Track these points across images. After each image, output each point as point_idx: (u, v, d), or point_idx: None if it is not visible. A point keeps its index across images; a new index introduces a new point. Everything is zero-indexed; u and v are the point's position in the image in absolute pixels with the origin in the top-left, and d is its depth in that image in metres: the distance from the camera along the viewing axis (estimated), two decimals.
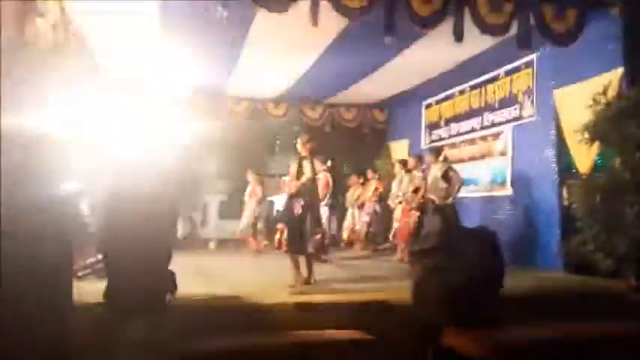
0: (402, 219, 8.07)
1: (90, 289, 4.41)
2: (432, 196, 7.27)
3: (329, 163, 9.20)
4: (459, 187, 7.28)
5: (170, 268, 4.34)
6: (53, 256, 3.23)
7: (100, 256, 5.58)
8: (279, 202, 10.22)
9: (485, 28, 5.70)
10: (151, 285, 3.59)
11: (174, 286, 4.56)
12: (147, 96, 9.85)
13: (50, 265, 3.20)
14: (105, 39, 7.23)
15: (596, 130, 5.59)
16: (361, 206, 10.43)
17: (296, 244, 5.89)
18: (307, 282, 5.88)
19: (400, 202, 8.32)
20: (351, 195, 10.80)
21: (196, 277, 6.42)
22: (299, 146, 6.28)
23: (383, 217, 9.88)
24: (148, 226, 3.52)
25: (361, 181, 10.80)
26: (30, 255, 3.09)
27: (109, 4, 5.84)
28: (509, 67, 8.04)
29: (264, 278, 6.69)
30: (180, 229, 11.30)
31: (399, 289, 5.13)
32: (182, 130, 11.78)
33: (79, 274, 5.88)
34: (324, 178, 8.75)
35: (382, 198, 9.94)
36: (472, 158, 8.99)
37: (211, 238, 12.50)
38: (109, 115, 8.69)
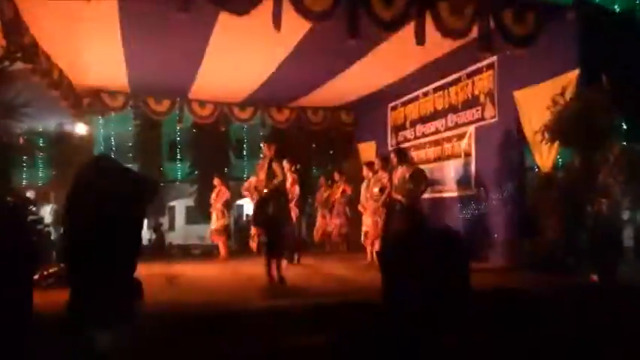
0: (371, 219, 8.12)
1: (54, 299, 4.30)
2: (399, 197, 7.34)
3: (299, 166, 9.22)
4: (425, 188, 7.38)
5: (136, 275, 4.27)
6: (12, 266, 3.15)
7: (62, 265, 5.46)
8: (249, 206, 10.21)
9: (446, 32, 5.80)
10: (116, 294, 3.52)
11: (140, 295, 4.47)
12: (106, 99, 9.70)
13: (8, 275, 3.11)
14: (62, 43, 7.07)
15: (556, 130, 5.75)
16: (330, 208, 10.50)
17: (271, 247, 5.92)
18: (278, 283, 5.87)
19: (368, 202, 8.37)
20: (320, 197, 10.85)
21: (164, 284, 6.33)
22: (264, 148, 6.33)
23: (352, 218, 9.95)
24: (111, 233, 3.45)
25: (329, 183, 10.86)
26: None
27: (66, 7, 5.73)
28: (470, 69, 8.19)
29: (234, 283, 6.65)
30: (147, 235, 11.14)
31: (370, 291, 5.18)
32: (146, 135, 11.63)
33: (43, 283, 5.74)
34: (291, 179, 8.79)
35: (350, 199, 10.01)
36: (437, 159, 9.12)
37: (178, 243, 12.36)
38: (70, 121, 8.51)
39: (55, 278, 5.85)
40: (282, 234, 6.06)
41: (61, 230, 5.31)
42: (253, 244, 6.13)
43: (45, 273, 5.90)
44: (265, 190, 6.09)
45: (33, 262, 4.36)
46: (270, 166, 6.17)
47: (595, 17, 6.13)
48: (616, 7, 7.26)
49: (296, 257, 8.50)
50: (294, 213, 8.76)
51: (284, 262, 6.14)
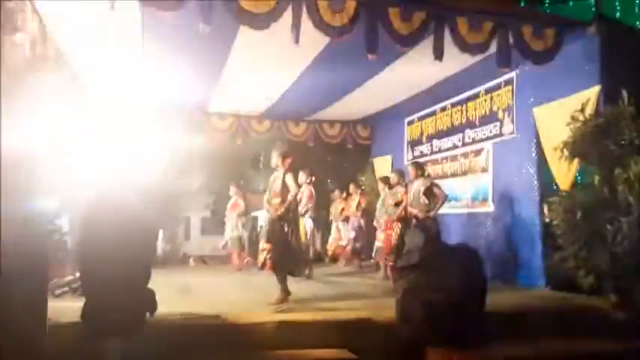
0: (384, 233, 8.01)
1: (67, 308, 4.32)
2: (414, 211, 7.26)
3: (313, 178, 9.15)
4: (442, 203, 7.26)
5: (149, 286, 4.27)
6: (27, 274, 3.16)
7: (77, 274, 5.49)
8: (263, 217, 10.20)
9: (464, 47, 5.76)
10: (130, 304, 3.52)
11: (153, 305, 4.47)
12: (127, 112, 9.80)
13: (24, 283, 3.13)
14: (85, 54, 7.18)
15: (575, 147, 5.67)
16: (345, 221, 10.41)
17: (285, 264, 5.85)
18: (285, 300, 5.81)
19: (383, 218, 8.29)
20: (335, 209, 10.78)
21: (177, 295, 6.32)
22: (278, 161, 6.19)
23: (367, 232, 9.85)
24: (126, 243, 3.46)
25: (344, 195, 10.80)
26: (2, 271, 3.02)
27: (89, 19, 5.81)
28: (489, 84, 8.13)
29: (247, 296, 6.62)
30: (162, 245, 11.19)
31: (383, 307, 5.11)
32: (163, 146, 11.72)
33: (57, 292, 5.78)
34: (307, 191, 8.73)
35: (366, 212, 9.93)
36: (454, 175, 9.04)
37: (193, 254, 12.38)
38: (89, 132, 8.61)
39: (69, 287, 5.88)
40: (291, 252, 5.96)
41: (77, 239, 5.35)
42: (260, 259, 6.00)
43: (60, 282, 5.93)
44: (281, 209, 5.98)
45: (47, 271, 4.39)
46: (283, 180, 6.05)
47: (615, 33, 6.06)
48: (637, 22, 7.17)
49: (307, 272, 8.41)
50: (308, 226, 8.71)
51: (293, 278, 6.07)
